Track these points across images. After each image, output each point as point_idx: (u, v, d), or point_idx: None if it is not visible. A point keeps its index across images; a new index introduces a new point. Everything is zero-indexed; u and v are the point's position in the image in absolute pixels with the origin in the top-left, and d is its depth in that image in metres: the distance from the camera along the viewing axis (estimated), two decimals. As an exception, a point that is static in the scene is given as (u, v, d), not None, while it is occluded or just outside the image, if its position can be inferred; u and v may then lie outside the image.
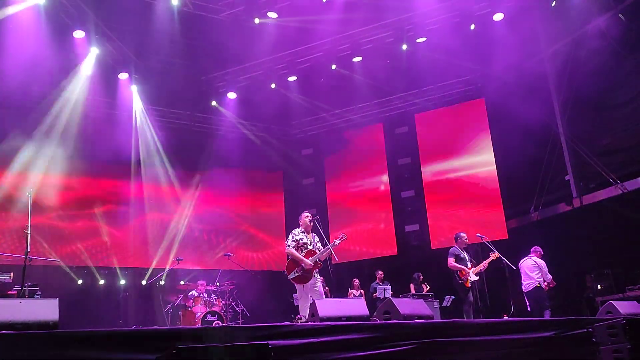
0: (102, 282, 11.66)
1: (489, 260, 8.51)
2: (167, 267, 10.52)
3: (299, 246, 6.74)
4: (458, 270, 8.32)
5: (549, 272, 8.68)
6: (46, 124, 10.99)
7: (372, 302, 10.76)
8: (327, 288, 10.43)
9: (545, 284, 8.61)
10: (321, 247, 6.84)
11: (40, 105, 11.09)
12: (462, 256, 8.44)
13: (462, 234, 8.71)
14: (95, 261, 11.69)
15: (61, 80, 11.00)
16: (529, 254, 8.90)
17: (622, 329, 4.49)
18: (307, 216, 6.97)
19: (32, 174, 10.87)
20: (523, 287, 8.77)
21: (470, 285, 8.23)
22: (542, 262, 8.72)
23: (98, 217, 11.91)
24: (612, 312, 5.58)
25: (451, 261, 8.41)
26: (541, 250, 8.90)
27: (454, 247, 8.61)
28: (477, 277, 8.38)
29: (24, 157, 10.89)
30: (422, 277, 11.87)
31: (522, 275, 8.82)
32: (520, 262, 8.82)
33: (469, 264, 8.40)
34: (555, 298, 10.34)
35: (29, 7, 9.62)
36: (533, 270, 8.67)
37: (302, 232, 6.89)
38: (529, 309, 8.77)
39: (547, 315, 8.24)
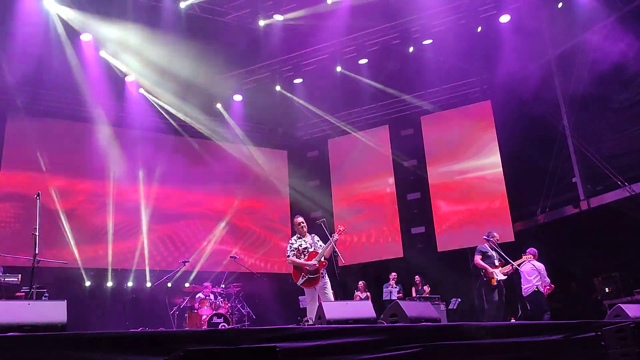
0: (110, 283, 11.67)
1: (519, 262, 8.27)
2: (182, 270, 10.52)
3: (300, 252, 6.77)
4: (483, 268, 8.18)
5: (553, 274, 8.60)
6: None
7: (384, 304, 10.72)
8: (332, 291, 10.40)
9: (545, 287, 8.54)
10: (323, 244, 6.85)
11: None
12: (489, 254, 8.29)
13: (493, 233, 8.54)
14: (106, 263, 11.72)
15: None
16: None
17: (632, 333, 4.45)
18: (301, 222, 6.98)
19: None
20: (522, 291, 8.74)
21: (496, 283, 8.03)
22: (540, 266, 8.66)
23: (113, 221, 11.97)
24: (621, 316, 5.51)
25: (477, 258, 8.30)
26: (536, 250, 8.82)
27: (481, 245, 8.48)
28: (505, 277, 8.17)
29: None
30: (419, 279, 11.82)
31: (521, 280, 8.77)
32: (520, 265, 8.70)
33: (497, 262, 8.23)
34: (562, 301, 10.29)
35: (38, 9, 9.68)
36: (531, 274, 8.62)
37: (298, 238, 6.92)
38: (530, 313, 8.71)
39: (546, 319, 8.16)
